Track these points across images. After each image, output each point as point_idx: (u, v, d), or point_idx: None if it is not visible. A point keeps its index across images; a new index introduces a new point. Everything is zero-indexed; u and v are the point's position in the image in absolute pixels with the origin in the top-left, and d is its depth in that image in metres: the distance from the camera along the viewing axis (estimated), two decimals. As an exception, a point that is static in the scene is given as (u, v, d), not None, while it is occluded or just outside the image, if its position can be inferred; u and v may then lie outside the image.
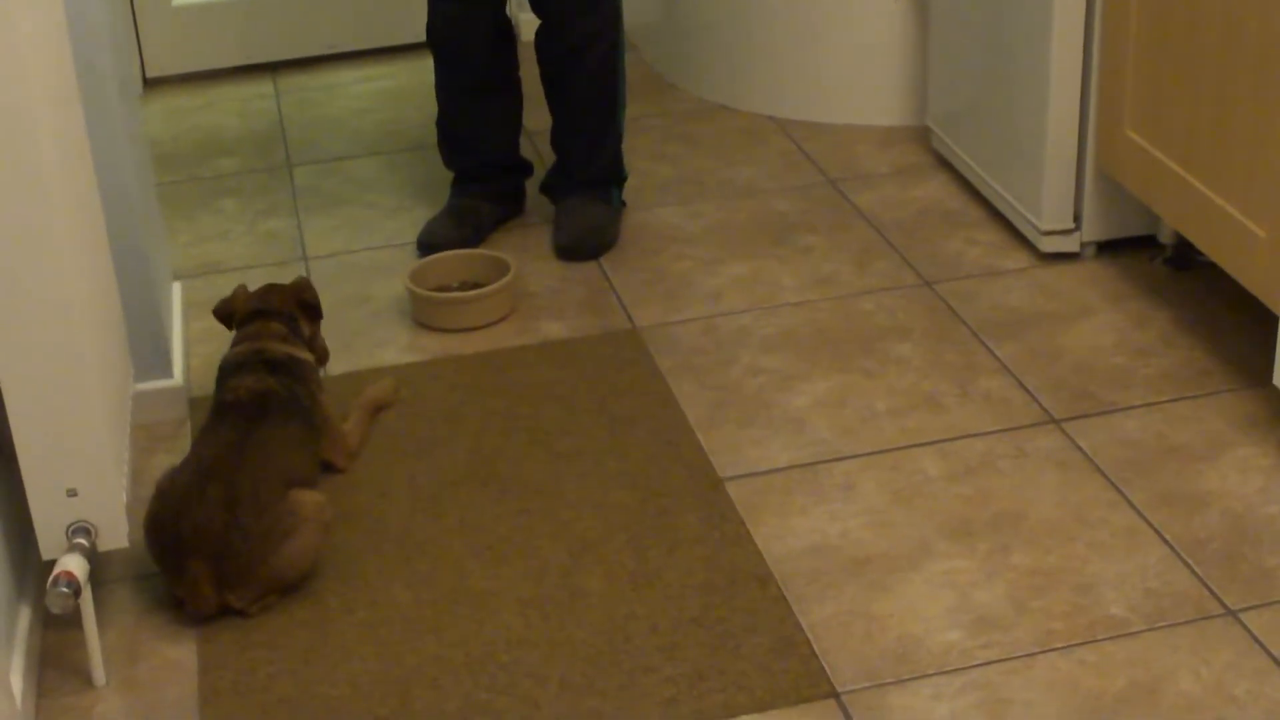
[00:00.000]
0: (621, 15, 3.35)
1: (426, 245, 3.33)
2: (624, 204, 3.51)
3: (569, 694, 2.17)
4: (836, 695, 2.14)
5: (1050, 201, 3.13)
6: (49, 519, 2.17)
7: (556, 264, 3.33)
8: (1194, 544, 2.38)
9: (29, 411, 2.11)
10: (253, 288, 2.75)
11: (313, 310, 2.73)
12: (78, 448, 2.14)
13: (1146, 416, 2.69)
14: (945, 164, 3.62)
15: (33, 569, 2.33)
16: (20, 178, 2.01)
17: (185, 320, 3.08)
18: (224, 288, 3.25)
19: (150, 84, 4.42)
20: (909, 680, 2.16)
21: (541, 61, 3.38)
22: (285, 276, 3.28)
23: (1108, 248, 3.18)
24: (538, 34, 3.36)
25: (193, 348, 3.03)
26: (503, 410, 2.82)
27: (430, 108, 3.54)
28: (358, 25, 4.54)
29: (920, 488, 2.55)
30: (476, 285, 3.14)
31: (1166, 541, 2.39)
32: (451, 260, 3.22)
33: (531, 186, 3.54)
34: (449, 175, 3.51)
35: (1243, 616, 2.24)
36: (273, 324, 2.65)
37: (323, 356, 2.79)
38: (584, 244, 3.34)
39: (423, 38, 3.42)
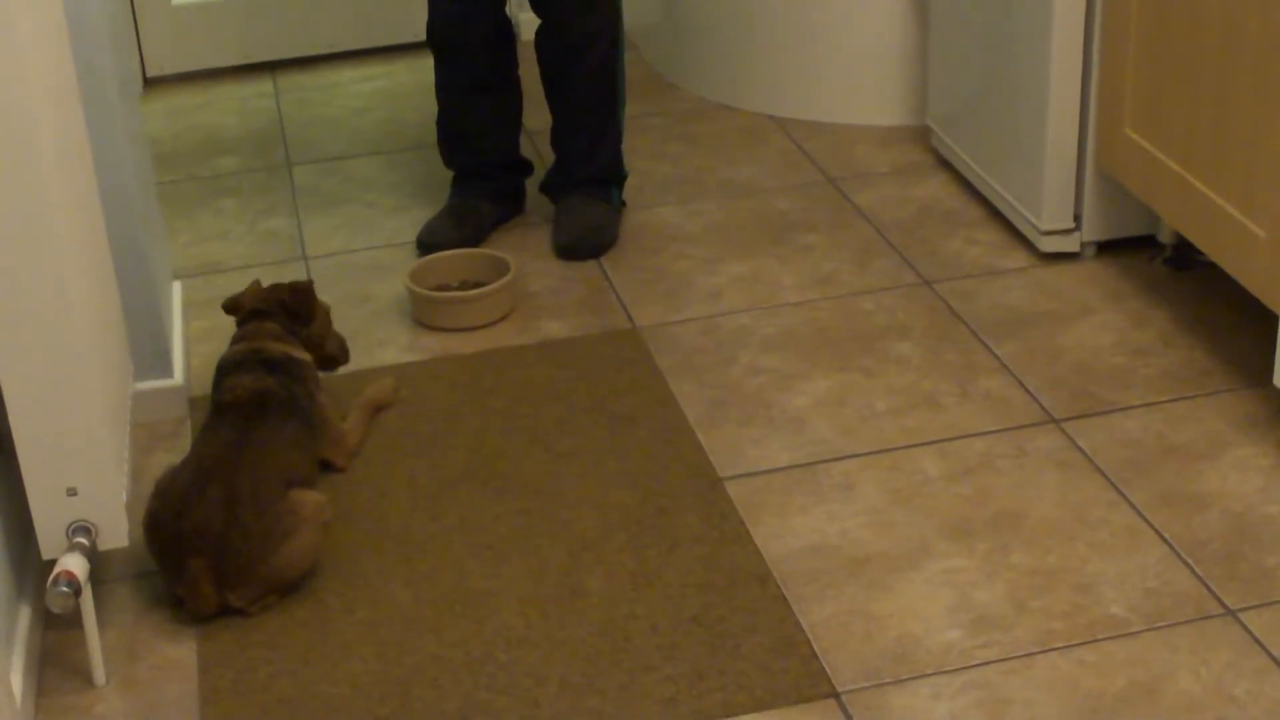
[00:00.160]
0: (621, 15, 3.36)
1: (426, 244, 3.33)
2: (624, 203, 3.50)
3: (569, 693, 2.17)
4: (836, 695, 2.14)
5: (1050, 201, 3.13)
6: (49, 518, 2.17)
7: (556, 263, 3.33)
8: (1194, 544, 2.38)
9: (29, 410, 2.11)
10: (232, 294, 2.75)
11: (294, 314, 2.70)
12: (78, 447, 2.14)
13: (1146, 416, 2.69)
14: (945, 163, 3.62)
15: (33, 568, 2.33)
16: (20, 177, 2.01)
17: (185, 319, 3.08)
18: (224, 287, 3.26)
19: (150, 83, 4.42)
20: (909, 680, 2.16)
21: (541, 61, 3.38)
22: (285, 276, 3.29)
23: (1108, 247, 3.18)
24: (538, 33, 3.36)
25: (193, 347, 3.03)
26: (503, 410, 2.82)
27: (430, 107, 3.54)
28: (358, 24, 4.54)
29: (920, 487, 2.55)
30: (476, 285, 3.14)
31: (1166, 541, 2.39)
32: (451, 260, 3.22)
33: (531, 186, 3.54)
34: (449, 174, 3.51)
35: (1242, 616, 2.24)
36: (269, 323, 2.65)
37: (338, 357, 2.80)
38: (584, 243, 3.34)
39: (422, 37, 3.42)
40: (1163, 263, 3.13)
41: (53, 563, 2.17)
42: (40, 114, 2.02)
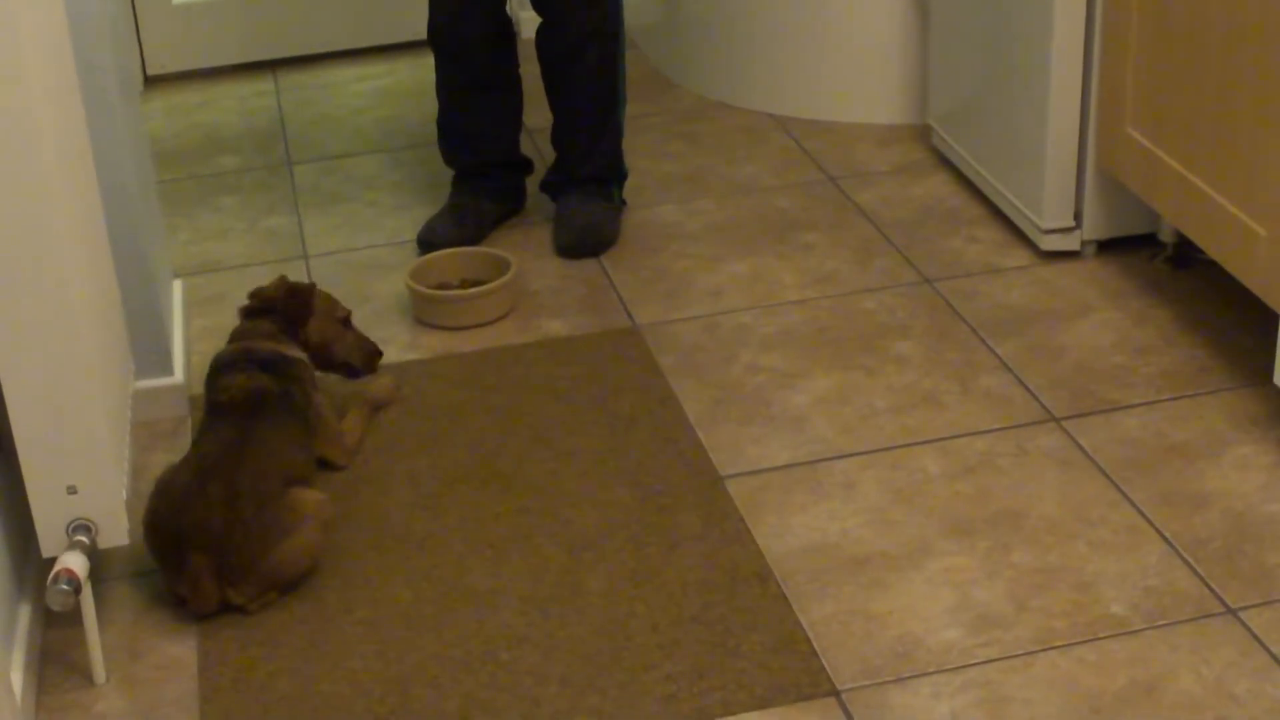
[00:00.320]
0: (622, 13, 3.35)
1: (427, 243, 3.33)
2: (624, 202, 3.50)
3: (569, 692, 2.17)
4: (837, 693, 2.14)
5: (1051, 199, 3.13)
6: (49, 516, 2.17)
7: (557, 262, 3.33)
8: (1194, 542, 2.38)
9: (29, 409, 2.11)
10: (253, 286, 2.75)
11: (287, 315, 2.68)
12: (78, 445, 2.14)
13: (1147, 415, 2.69)
14: (946, 162, 3.62)
15: (33, 566, 2.33)
16: (21, 176, 2.01)
17: (186, 318, 3.08)
18: (224, 285, 3.27)
19: (151, 81, 4.43)
20: (909, 678, 2.16)
21: (542, 59, 3.38)
22: (286, 274, 3.29)
23: (1108, 246, 3.18)
24: (538, 32, 3.36)
25: (193, 345, 3.03)
26: (503, 408, 2.82)
27: (430, 105, 3.54)
28: (358, 23, 4.54)
29: (920, 486, 2.55)
30: (477, 283, 3.14)
31: (1167, 540, 2.39)
32: (452, 258, 3.22)
33: (532, 184, 3.54)
34: (449, 173, 3.51)
35: (1243, 615, 2.24)
36: (263, 322, 2.65)
37: (350, 363, 2.77)
38: (584, 242, 3.34)
39: (423, 35, 3.42)
40: (1163, 261, 3.13)
41: (53, 561, 2.17)
42: (41, 113, 2.02)
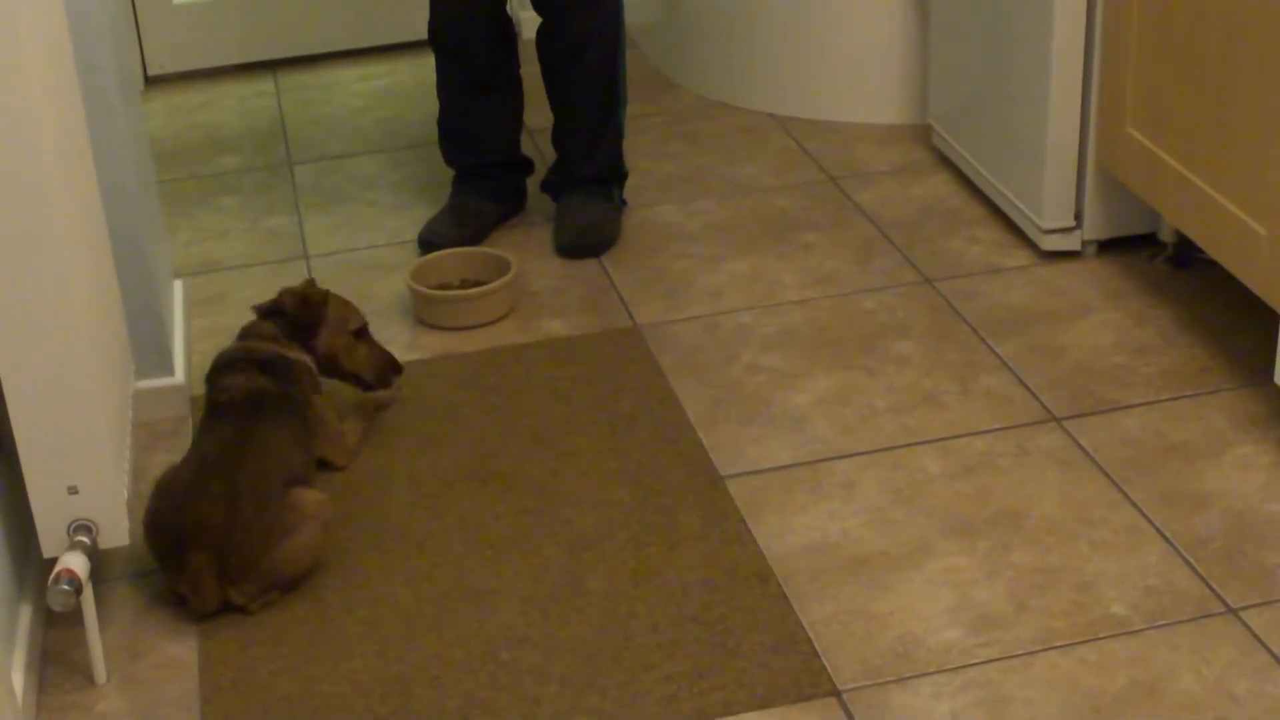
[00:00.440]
0: (622, 13, 3.35)
1: (427, 243, 3.33)
2: (625, 202, 3.50)
3: (569, 692, 2.17)
4: (837, 693, 2.14)
5: (1051, 199, 3.13)
6: (50, 516, 2.17)
7: (557, 262, 3.33)
8: (1195, 542, 2.38)
9: (30, 409, 2.11)
10: (256, 286, 2.75)
11: (293, 322, 2.66)
12: (79, 445, 2.14)
13: (1147, 415, 2.69)
14: (946, 162, 3.62)
15: (34, 566, 2.33)
16: (21, 176, 2.01)
17: (186, 318, 3.08)
18: (224, 285, 3.27)
19: (151, 81, 4.43)
20: (909, 678, 2.16)
21: (542, 59, 3.38)
22: (286, 274, 3.29)
23: (1109, 246, 3.18)
24: (539, 32, 3.36)
25: (193, 345, 3.03)
26: (503, 408, 2.82)
27: (431, 105, 3.54)
28: (359, 23, 4.54)
29: (921, 486, 2.55)
30: (477, 283, 3.14)
31: (1167, 540, 2.39)
32: (452, 258, 3.22)
33: (532, 184, 3.54)
34: (450, 173, 3.51)
35: (1244, 615, 2.24)
36: (267, 324, 2.65)
37: (361, 376, 2.72)
38: (585, 242, 3.34)
39: (423, 35, 3.42)
40: (1164, 261, 3.13)
41: (54, 561, 2.17)
42: (41, 113, 2.02)
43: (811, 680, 2.16)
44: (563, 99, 3.41)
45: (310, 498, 2.40)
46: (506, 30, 3.39)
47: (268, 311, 2.68)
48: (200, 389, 2.64)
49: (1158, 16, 2.80)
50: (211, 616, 2.33)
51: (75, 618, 2.23)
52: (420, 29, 3.45)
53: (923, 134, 3.75)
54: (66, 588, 2.11)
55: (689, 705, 2.13)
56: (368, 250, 3.42)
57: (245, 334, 2.66)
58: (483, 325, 3.09)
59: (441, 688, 2.19)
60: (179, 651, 2.30)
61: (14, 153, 1.99)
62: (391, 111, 4.15)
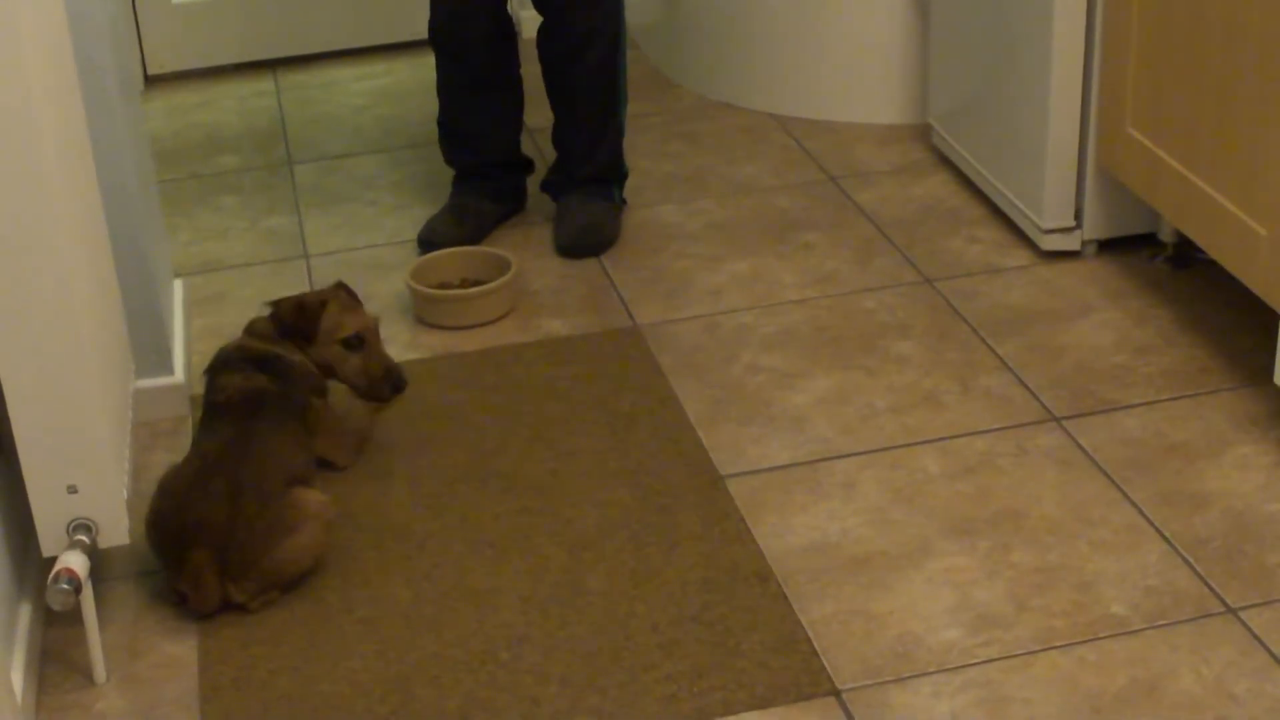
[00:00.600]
0: (623, 13, 3.35)
1: (427, 243, 3.33)
2: (625, 202, 3.50)
3: (569, 691, 2.17)
4: (837, 693, 2.14)
5: (1051, 199, 3.13)
6: (50, 516, 2.17)
7: (557, 261, 3.33)
8: (1194, 542, 2.38)
9: (30, 408, 2.11)
10: (255, 286, 2.74)
11: (285, 328, 2.63)
12: (78, 444, 2.14)
13: (1147, 414, 2.69)
14: (946, 162, 3.62)
15: (33, 566, 2.33)
16: (21, 175, 2.01)
17: (186, 317, 3.08)
18: (224, 285, 3.27)
19: (151, 81, 4.42)
20: (909, 678, 2.16)
21: (543, 59, 3.38)
22: (286, 274, 3.30)
23: (1109, 246, 3.18)
24: (539, 31, 3.36)
25: (193, 345, 3.03)
26: (503, 408, 2.82)
27: (431, 105, 3.54)
28: (359, 22, 4.54)
29: (921, 486, 2.55)
30: (477, 283, 3.14)
31: (1167, 539, 2.39)
32: (452, 258, 3.22)
33: (532, 184, 3.54)
34: (450, 172, 3.51)
35: (1243, 614, 2.24)
36: (260, 323, 2.65)
37: (358, 386, 2.66)
38: (585, 241, 3.34)
39: (423, 35, 3.42)
40: (1164, 261, 3.13)
41: (53, 560, 2.17)
42: (41, 112, 2.02)
43: (811, 680, 2.16)
44: (563, 98, 3.41)
45: (312, 497, 2.41)
46: (507, 29, 3.39)
47: (274, 312, 2.67)
48: (200, 389, 2.64)
49: (1158, 16, 2.80)
50: (212, 616, 2.33)
51: (75, 617, 2.23)
52: (420, 28, 3.45)
53: (923, 134, 3.75)
54: (66, 587, 2.11)
55: (689, 705, 2.13)
56: (367, 249, 3.42)
57: (249, 330, 2.65)
58: (483, 325, 3.09)
59: (441, 687, 2.19)
60: (179, 651, 2.30)
61: (14, 153, 1.99)
62: (391, 111, 4.15)
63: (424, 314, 3.12)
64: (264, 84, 4.39)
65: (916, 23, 3.75)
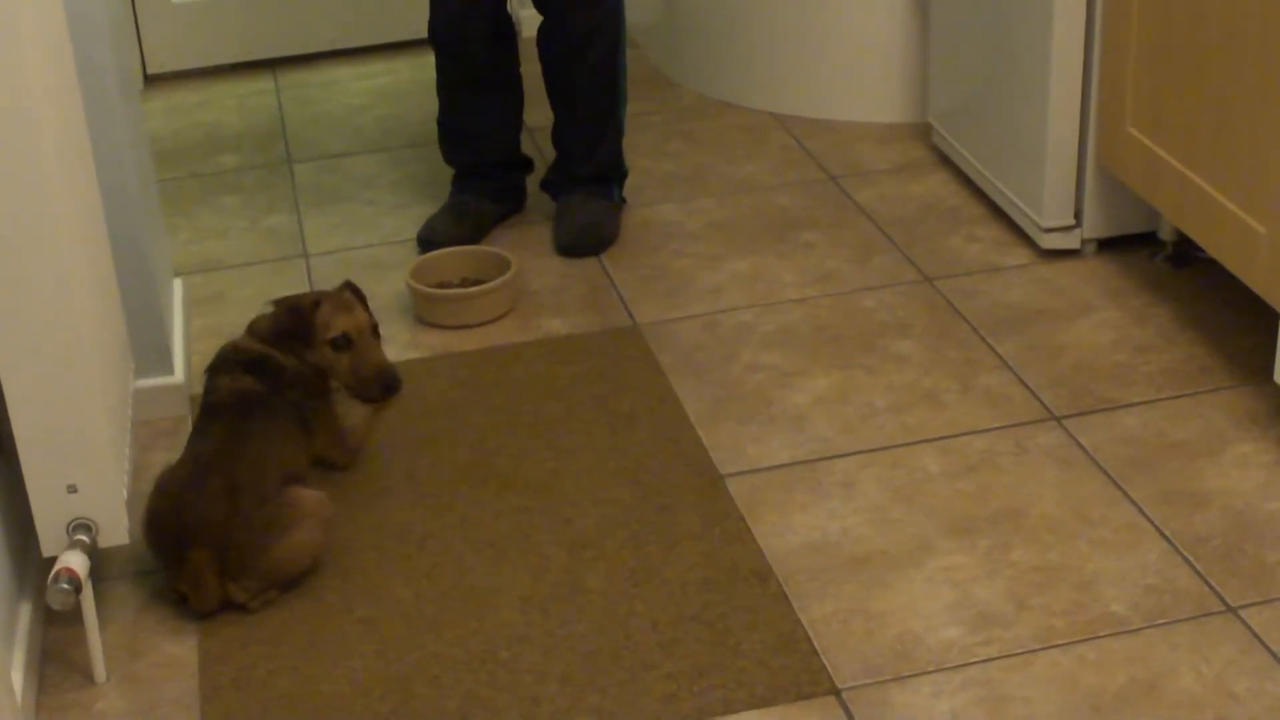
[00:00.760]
0: (623, 12, 3.35)
1: (427, 242, 3.33)
2: (624, 201, 3.50)
3: (569, 690, 2.17)
4: (837, 692, 2.14)
5: (1051, 198, 3.13)
6: (50, 515, 2.17)
7: (557, 260, 3.33)
8: (1194, 541, 2.38)
9: (30, 408, 2.11)
10: (255, 285, 2.74)
11: (279, 331, 2.60)
12: (78, 444, 2.14)
13: (1147, 413, 2.69)
14: (946, 160, 3.62)
15: (33, 565, 2.33)
16: (21, 175, 2.01)
17: (186, 317, 3.08)
18: (224, 285, 3.27)
19: (151, 80, 4.43)
20: (909, 677, 2.16)
21: (543, 58, 3.38)
22: (286, 273, 3.30)
23: (1108, 244, 3.18)
24: (539, 31, 3.36)
25: (193, 344, 3.03)
26: (503, 407, 2.82)
27: (431, 104, 3.54)
28: (358, 22, 4.54)
29: (921, 485, 2.55)
30: (477, 282, 3.14)
31: (1167, 538, 2.39)
32: (452, 257, 3.22)
33: (532, 183, 3.54)
34: (449, 172, 3.51)
35: (1243, 613, 2.24)
36: (262, 322, 2.64)
37: (352, 387, 2.61)
38: (584, 240, 3.34)
39: (423, 34, 3.42)
40: (1163, 260, 3.13)
41: (53, 560, 2.17)
42: (41, 112, 2.02)
43: (811, 679, 2.16)
44: (563, 98, 3.41)
45: (309, 496, 2.41)
46: (506, 29, 3.39)
47: (274, 312, 2.67)
48: (199, 388, 2.64)
49: (1158, 16, 2.80)
50: (212, 615, 2.33)
51: (75, 616, 2.23)
52: (419, 28, 3.45)
53: (922, 133, 3.75)
54: (66, 586, 2.11)
55: (689, 704, 2.13)
56: (367, 249, 3.42)
57: (250, 329, 2.65)
58: (482, 324, 3.09)
59: (441, 686, 2.19)
60: (179, 650, 2.30)
61: (14, 153, 1.99)
62: (391, 110, 4.15)
63: (424, 313, 3.12)
64: (264, 83, 4.39)
65: (916, 22, 3.75)
